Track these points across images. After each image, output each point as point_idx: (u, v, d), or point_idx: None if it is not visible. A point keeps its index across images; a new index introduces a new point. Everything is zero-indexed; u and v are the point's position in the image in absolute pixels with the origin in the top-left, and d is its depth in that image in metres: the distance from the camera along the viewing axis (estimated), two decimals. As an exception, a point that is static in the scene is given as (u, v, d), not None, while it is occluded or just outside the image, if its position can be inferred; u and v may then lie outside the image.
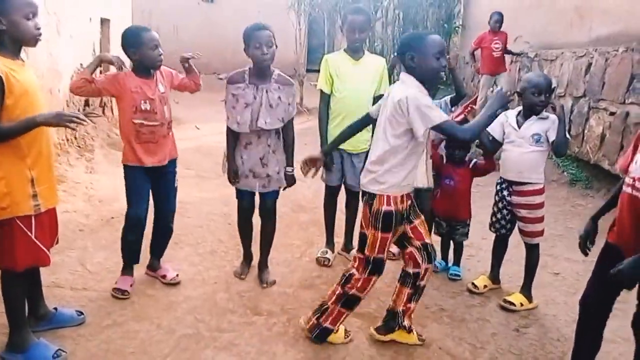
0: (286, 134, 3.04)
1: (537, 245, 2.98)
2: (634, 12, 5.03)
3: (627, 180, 1.95)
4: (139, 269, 3.10)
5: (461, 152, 3.22)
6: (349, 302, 2.44)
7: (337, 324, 2.48)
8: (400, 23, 11.09)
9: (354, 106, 3.22)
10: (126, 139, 2.86)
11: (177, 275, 3.12)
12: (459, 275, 3.30)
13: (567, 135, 2.80)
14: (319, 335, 2.48)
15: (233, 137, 3.02)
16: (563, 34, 6.52)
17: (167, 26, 12.99)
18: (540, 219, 2.92)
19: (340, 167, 3.36)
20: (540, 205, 2.90)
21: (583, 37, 5.95)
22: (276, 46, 2.86)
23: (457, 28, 11.07)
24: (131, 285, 2.96)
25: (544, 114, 2.85)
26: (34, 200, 2.18)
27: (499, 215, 3.04)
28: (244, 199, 3.14)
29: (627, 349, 2.57)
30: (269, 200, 3.12)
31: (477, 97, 8.15)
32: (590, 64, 5.54)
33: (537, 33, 7.17)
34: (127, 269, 3.02)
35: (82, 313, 2.63)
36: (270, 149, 2.99)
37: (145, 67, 2.82)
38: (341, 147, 3.28)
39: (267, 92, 2.87)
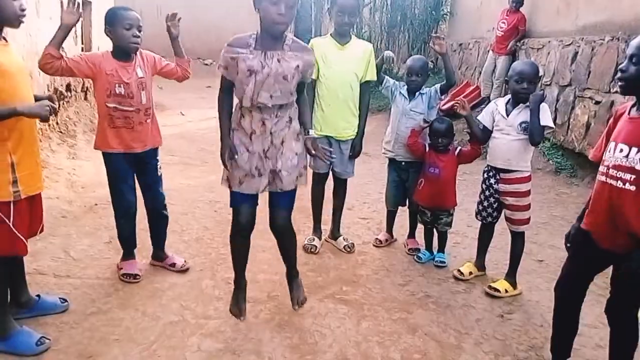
0: (302, 99, 2.49)
1: (523, 233, 3.00)
2: (618, 2, 5.05)
3: (601, 169, 2.00)
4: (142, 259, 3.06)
5: (445, 140, 3.20)
6: None
7: None
8: (388, 9, 11.04)
9: (340, 92, 3.20)
10: (100, 122, 2.79)
11: (185, 261, 3.10)
12: (444, 262, 3.32)
13: (546, 123, 2.78)
14: None
15: (227, 118, 2.44)
16: (550, 22, 6.53)
17: (150, 8, 12.74)
18: (527, 207, 2.94)
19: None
20: (526, 193, 2.92)
21: (569, 26, 5.97)
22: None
23: (445, 15, 11.04)
24: (140, 270, 2.95)
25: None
26: (14, 186, 2.12)
27: (485, 204, 3.05)
28: (243, 208, 2.46)
29: (606, 334, 2.63)
30: (283, 210, 2.51)
31: (465, 85, 8.15)
32: (576, 53, 5.57)
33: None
34: (129, 254, 2.99)
35: (65, 300, 2.60)
36: (276, 135, 2.37)
37: (121, 49, 2.72)
38: (329, 134, 3.27)
39: (278, 60, 2.27)
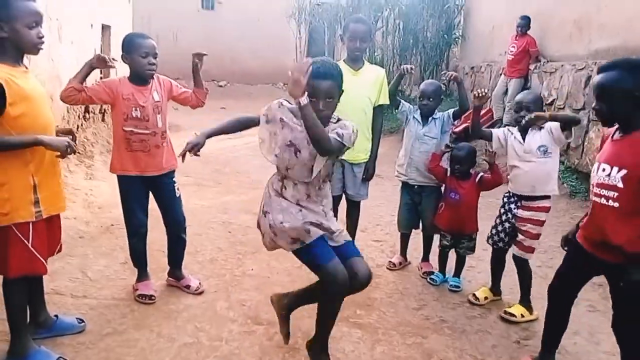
0: None
1: (527, 261, 2.98)
2: (631, 27, 5.08)
3: (591, 188, 2.16)
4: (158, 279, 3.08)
5: (463, 167, 3.19)
6: None
7: None
8: (400, 33, 11.15)
9: (354, 117, 3.17)
10: (117, 146, 2.86)
11: (200, 283, 3.12)
12: (458, 287, 3.30)
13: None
14: None
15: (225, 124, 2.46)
16: (562, 47, 6.57)
17: (167, 33, 13.07)
18: (537, 236, 2.93)
19: (342, 177, 3.36)
20: (542, 223, 2.90)
21: (582, 50, 6.00)
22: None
23: (457, 39, 11.13)
24: (155, 290, 2.98)
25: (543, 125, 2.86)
26: (36, 206, 2.17)
27: (499, 228, 3.04)
28: (333, 263, 2.16)
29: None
30: (360, 257, 2.31)
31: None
32: (589, 77, 5.58)
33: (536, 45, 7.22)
34: (143, 275, 3.03)
35: (82, 321, 2.62)
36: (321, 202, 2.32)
37: (138, 75, 2.80)
38: (343, 158, 3.29)
39: None
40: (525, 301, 2.98)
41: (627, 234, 1.98)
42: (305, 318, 2.82)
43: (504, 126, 7.26)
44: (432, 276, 3.41)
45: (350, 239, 2.38)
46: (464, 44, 11.00)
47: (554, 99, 6.32)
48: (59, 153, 2.17)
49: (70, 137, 2.28)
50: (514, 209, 2.96)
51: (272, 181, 2.35)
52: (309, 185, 2.24)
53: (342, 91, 2.25)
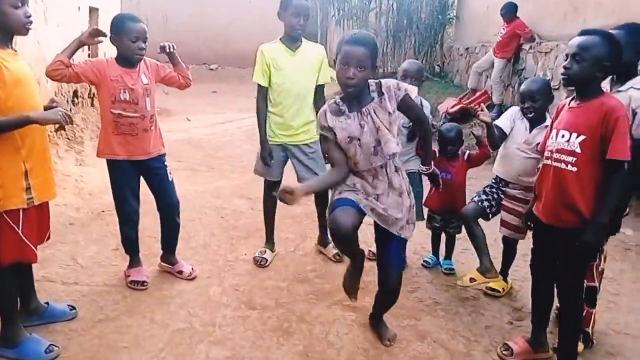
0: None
1: (517, 242, 2.97)
2: (627, 4, 5.03)
3: (546, 154, 2.25)
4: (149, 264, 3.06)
5: (454, 147, 3.18)
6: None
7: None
8: (394, 14, 11.03)
9: (294, 99, 3.09)
10: (104, 129, 2.79)
11: (193, 269, 3.10)
12: (452, 269, 3.31)
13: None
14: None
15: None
16: (557, 26, 6.51)
17: (157, 15, 12.82)
18: (521, 214, 2.89)
19: (282, 162, 3.24)
20: (527, 202, 2.88)
21: (577, 30, 5.89)
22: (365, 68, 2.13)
23: (451, 19, 11.02)
24: (147, 276, 2.96)
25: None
26: (27, 193, 2.15)
27: (487, 191, 2.99)
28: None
29: (619, 342, 2.61)
30: (395, 265, 2.46)
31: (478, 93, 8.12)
32: (583, 57, 5.53)
33: (531, 25, 7.15)
34: (135, 261, 3.00)
35: (74, 307, 2.61)
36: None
37: (125, 58, 2.73)
38: (287, 141, 3.17)
39: (375, 112, 2.21)
40: (505, 277, 3.09)
41: (585, 197, 2.10)
42: (298, 302, 2.83)
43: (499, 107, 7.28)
44: (426, 258, 3.41)
45: (407, 235, 2.39)
46: (458, 25, 10.89)
47: (549, 79, 6.28)
48: (55, 126, 2.12)
49: (56, 105, 2.21)
50: (502, 186, 2.95)
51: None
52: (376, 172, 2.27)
53: (377, 66, 2.24)
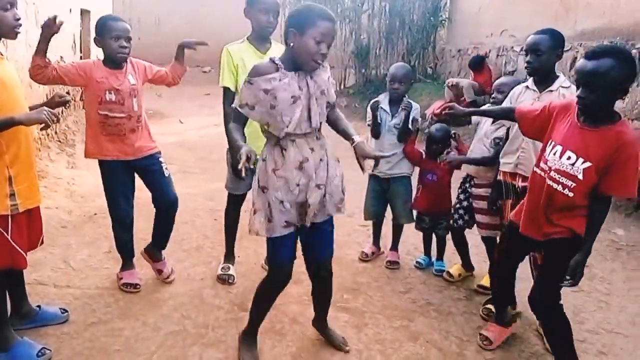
0: (336, 115, 2.29)
1: (493, 239, 2.98)
2: (617, 6, 5.08)
3: (542, 165, 2.12)
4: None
5: (441, 147, 3.20)
6: None
7: None
8: (386, 15, 11.05)
9: None
10: (91, 130, 2.77)
11: (173, 270, 3.07)
12: (443, 270, 3.32)
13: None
14: None
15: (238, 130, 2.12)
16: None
17: (149, 18, 12.77)
18: (496, 213, 2.91)
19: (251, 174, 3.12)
20: None
21: (568, 31, 5.97)
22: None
23: (443, 21, 11.07)
24: (140, 279, 2.94)
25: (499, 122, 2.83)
26: (11, 199, 2.12)
27: (457, 206, 3.10)
28: (287, 254, 2.21)
29: (610, 341, 2.63)
30: (329, 249, 2.36)
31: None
32: (575, 58, 5.58)
33: (522, 26, 7.19)
34: (128, 263, 2.98)
35: (66, 311, 2.59)
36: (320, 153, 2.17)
37: (110, 58, 2.72)
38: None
39: (311, 77, 2.08)
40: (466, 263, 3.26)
41: (574, 219, 2.05)
42: (291, 304, 2.83)
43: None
44: (419, 260, 3.42)
45: (335, 213, 2.25)
46: (450, 26, 10.93)
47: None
48: (39, 127, 2.10)
49: (42, 106, 2.16)
50: (469, 188, 3.04)
51: (269, 154, 2.12)
52: (307, 136, 2.10)
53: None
